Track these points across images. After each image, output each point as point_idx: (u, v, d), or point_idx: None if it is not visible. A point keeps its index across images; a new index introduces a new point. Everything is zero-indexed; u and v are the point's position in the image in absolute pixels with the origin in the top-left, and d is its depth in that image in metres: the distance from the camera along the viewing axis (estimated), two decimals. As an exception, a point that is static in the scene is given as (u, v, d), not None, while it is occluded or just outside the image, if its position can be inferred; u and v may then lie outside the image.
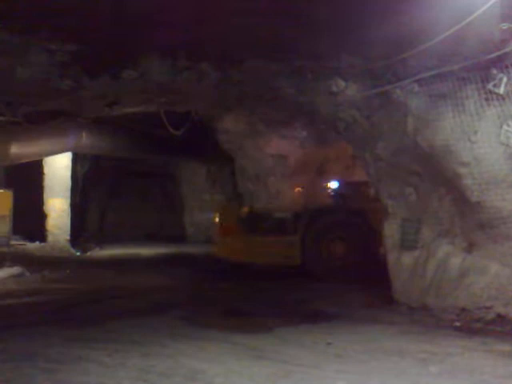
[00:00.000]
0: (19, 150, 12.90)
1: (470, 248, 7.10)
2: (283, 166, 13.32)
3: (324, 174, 12.68)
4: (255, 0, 5.93)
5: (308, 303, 8.37)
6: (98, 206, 21.42)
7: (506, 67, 6.45)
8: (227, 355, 5.45)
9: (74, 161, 17.23)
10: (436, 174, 7.30)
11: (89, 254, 16.63)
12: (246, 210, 12.42)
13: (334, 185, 12.22)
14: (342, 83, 7.63)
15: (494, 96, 6.56)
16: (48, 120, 11.64)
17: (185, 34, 6.57)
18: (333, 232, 11.21)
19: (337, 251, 11.16)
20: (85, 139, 13.38)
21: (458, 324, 6.74)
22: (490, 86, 6.55)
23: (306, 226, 11.23)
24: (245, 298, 8.89)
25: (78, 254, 16.26)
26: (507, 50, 6.25)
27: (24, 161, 14.21)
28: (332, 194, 12.22)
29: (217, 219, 12.58)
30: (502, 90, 6.50)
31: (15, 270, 11.95)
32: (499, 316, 6.66)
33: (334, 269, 10.92)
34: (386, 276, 8.14)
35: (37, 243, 16.67)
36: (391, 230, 8.22)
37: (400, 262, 8.01)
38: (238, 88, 8.16)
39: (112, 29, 6.47)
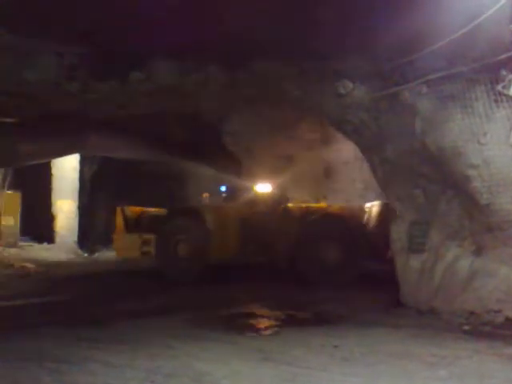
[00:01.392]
0: (27, 151, 12.95)
1: (478, 251, 7.05)
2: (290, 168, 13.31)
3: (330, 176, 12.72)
4: (262, 1, 5.93)
5: (313, 305, 8.33)
6: (105, 208, 21.45)
7: (516, 68, 6.41)
8: (233, 357, 5.43)
9: (82, 162, 17.30)
10: (444, 177, 7.26)
11: (96, 255, 16.67)
12: (133, 210, 13.16)
13: (223, 188, 12.90)
14: (349, 85, 7.60)
15: (504, 98, 6.51)
16: (56, 122, 11.67)
17: (192, 37, 6.58)
18: (179, 233, 11.66)
19: (181, 252, 11.56)
20: (92, 141, 13.42)
21: (466, 327, 6.68)
22: (499, 87, 6.50)
23: (160, 226, 11.89)
24: (248, 299, 8.86)
25: (86, 255, 16.31)
26: (517, 51, 6.21)
27: (32, 162, 14.28)
28: (224, 197, 12.79)
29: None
30: (511, 92, 6.46)
31: (23, 270, 12.01)
32: (508, 319, 6.60)
33: (181, 270, 11.34)
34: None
35: (45, 244, 16.73)
36: (399, 233, 8.16)
37: (408, 265, 7.95)
38: (244, 90, 8.17)
39: (120, 31, 6.50)
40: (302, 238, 10.94)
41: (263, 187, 12.30)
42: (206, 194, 13.42)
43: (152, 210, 13.33)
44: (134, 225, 12.76)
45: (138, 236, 12.32)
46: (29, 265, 12.91)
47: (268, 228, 11.33)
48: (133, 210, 13.20)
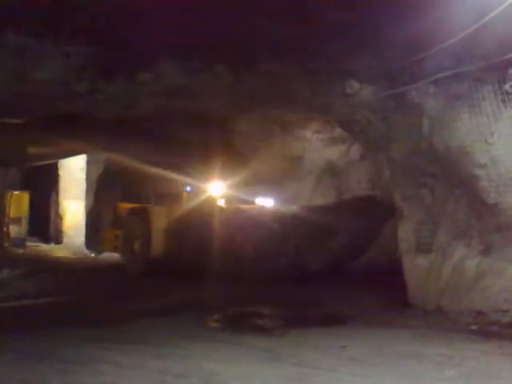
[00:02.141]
0: (35, 152, 13.01)
1: (486, 251, 7.03)
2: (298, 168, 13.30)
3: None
4: (270, 2, 5.93)
5: (321, 306, 8.32)
6: (112, 208, 21.49)
7: (524, 68, 6.38)
8: (242, 357, 5.45)
9: (89, 163, 17.34)
10: (452, 176, 7.24)
11: (103, 255, 16.69)
12: (123, 206, 13.98)
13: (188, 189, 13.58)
14: (356, 85, 7.59)
15: (511, 97, 6.49)
16: (64, 123, 11.71)
17: (199, 37, 6.58)
18: (134, 230, 12.62)
19: (135, 247, 12.51)
20: (100, 142, 13.47)
21: (474, 327, 6.67)
22: (507, 86, 6.48)
23: (123, 222, 13.01)
24: (256, 300, 8.85)
25: (93, 255, 16.34)
26: (524, 50, 6.18)
27: (40, 163, 14.34)
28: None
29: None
30: (519, 91, 6.44)
31: (29, 270, 12.06)
32: (516, 319, 6.59)
33: (137, 263, 12.22)
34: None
35: (52, 245, 16.80)
36: (406, 233, 8.15)
37: (415, 265, 7.94)
38: (252, 90, 8.16)
39: (127, 32, 6.51)
40: (220, 239, 11.25)
41: (215, 189, 12.80)
42: (184, 194, 13.98)
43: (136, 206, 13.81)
44: (117, 220, 13.72)
45: (113, 230, 13.39)
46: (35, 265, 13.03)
47: (198, 229, 11.71)
48: (122, 206, 13.89)
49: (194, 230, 11.65)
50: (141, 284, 10.88)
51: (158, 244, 12.07)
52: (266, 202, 12.76)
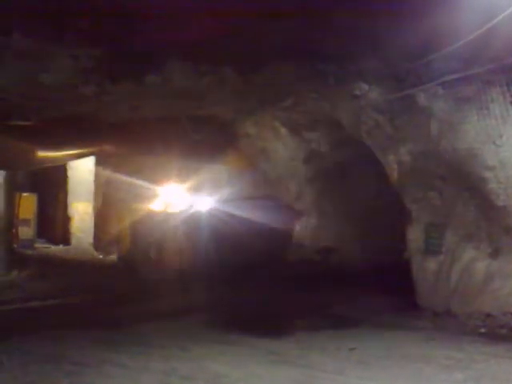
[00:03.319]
0: (44, 154, 13.04)
1: (495, 253, 6.99)
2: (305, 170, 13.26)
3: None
4: (277, 3, 5.93)
5: (330, 308, 8.30)
6: (120, 210, 21.53)
7: (533, 70, 6.34)
8: (248, 359, 5.44)
9: (98, 165, 17.39)
10: (460, 178, 7.21)
11: (111, 256, 16.74)
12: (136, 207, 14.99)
13: None
14: (364, 87, 7.58)
15: (520, 99, 6.45)
16: (72, 125, 11.74)
17: (206, 39, 6.59)
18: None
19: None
20: (108, 144, 13.49)
21: (483, 330, 6.64)
22: (515, 89, 6.45)
23: None
24: (265, 301, 8.84)
25: (101, 256, 16.39)
26: (533, 52, 6.14)
27: (48, 165, 14.39)
28: None
29: None
30: (527, 94, 6.40)
31: (38, 271, 12.11)
32: (525, 322, 6.55)
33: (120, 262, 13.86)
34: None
35: (60, 246, 16.87)
36: (415, 235, 8.12)
37: (424, 267, 7.91)
38: (259, 92, 8.17)
39: (134, 34, 6.52)
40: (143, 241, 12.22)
41: (169, 191, 13.72)
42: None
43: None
44: None
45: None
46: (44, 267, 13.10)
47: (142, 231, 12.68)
48: (135, 207, 14.65)
49: (141, 232, 12.71)
50: (144, 285, 10.90)
51: (123, 244, 13.69)
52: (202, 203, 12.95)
